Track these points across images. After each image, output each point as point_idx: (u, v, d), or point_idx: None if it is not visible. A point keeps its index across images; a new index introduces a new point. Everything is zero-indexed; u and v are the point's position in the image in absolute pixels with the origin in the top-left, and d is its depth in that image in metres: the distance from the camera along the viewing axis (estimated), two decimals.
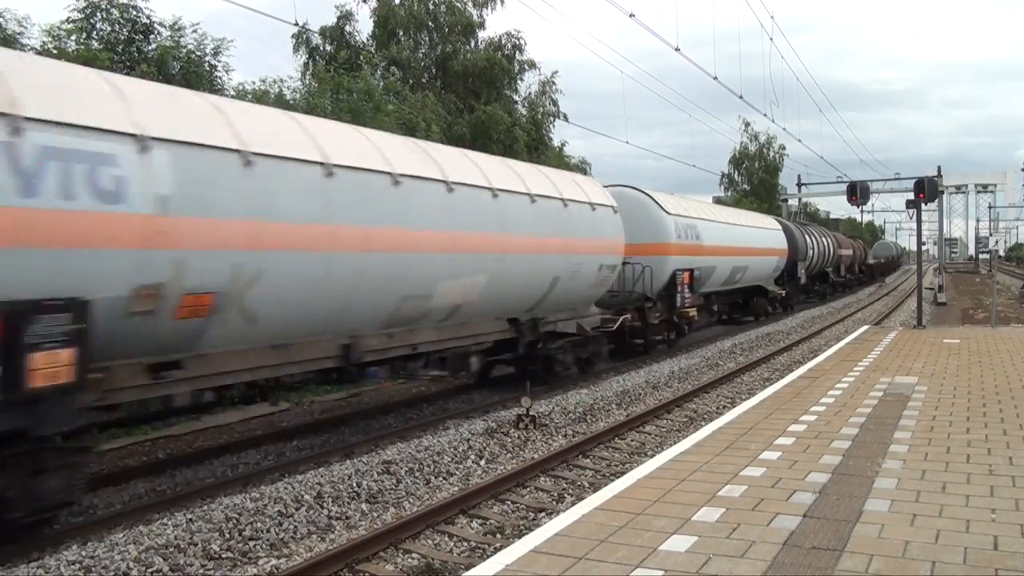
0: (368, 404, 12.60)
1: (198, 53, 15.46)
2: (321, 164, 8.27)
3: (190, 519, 6.85)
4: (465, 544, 6.68)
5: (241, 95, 17.10)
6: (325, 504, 7.43)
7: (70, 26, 14.67)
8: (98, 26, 15.09)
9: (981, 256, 78.26)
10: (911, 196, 21.47)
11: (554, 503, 7.77)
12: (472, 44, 29.58)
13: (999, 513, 5.28)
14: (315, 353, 8.73)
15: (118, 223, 6.37)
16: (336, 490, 7.74)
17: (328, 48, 27.88)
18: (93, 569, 5.88)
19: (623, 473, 7.65)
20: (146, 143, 6.63)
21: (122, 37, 15.18)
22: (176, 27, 15.47)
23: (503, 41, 29.82)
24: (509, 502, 7.75)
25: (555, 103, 31.50)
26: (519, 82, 30.35)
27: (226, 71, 16.06)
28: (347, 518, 7.25)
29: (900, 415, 8.51)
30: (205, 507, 7.23)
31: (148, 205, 6.58)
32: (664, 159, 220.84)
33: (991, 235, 66.07)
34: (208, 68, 15.53)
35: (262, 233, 7.50)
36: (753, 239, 24.83)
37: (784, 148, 66.25)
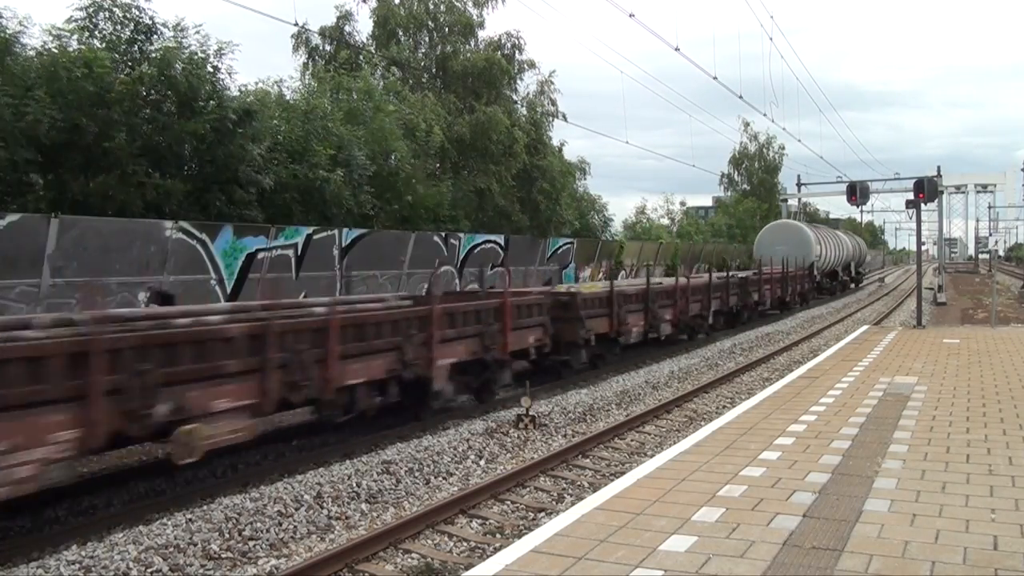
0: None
1: (201, 54, 15.43)
2: None
3: (190, 519, 6.86)
4: (465, 544, 6.68)
5: (245, 96, 17.08)
6: (325, 504, 7.43)
7: (72, 25, 14.66)
8: (100, 26, 15.08)
9: (981, 256, 78.28)
10: (911, 196, 21.49)
11: (554, 503, 7.77)
12: (472, 44, 29.62)
13: (999, 513, 5.28)
14: None
15: None
16: (336, 490, 7.75)
17: (328, 48, 27.92)
18: (93, 569, 5.88)
19: (623, 473, 7.66)
20: None
21: (124, 37, 15.17)
22: (179, 28, 15.47)
23: (503, 41, 29.89)
24: (509, 502, 7.75)
25: (554, 103, 31.60)
26: (519, 82, 30.42)
27: (229, 73, 16.03)
28: (347, 518, 7.25)
29: (900, 415, 8.52)
30: (205, 507, 7.23)
31: None
32: (665, 159, 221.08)
33: (991, 235, 66.21)
34: (211, 70, 15.50)
35: None
36: None
37: (784, 148, 66.27)
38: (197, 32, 15.64)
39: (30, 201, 13.05)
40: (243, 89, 17.81)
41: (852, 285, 47.90)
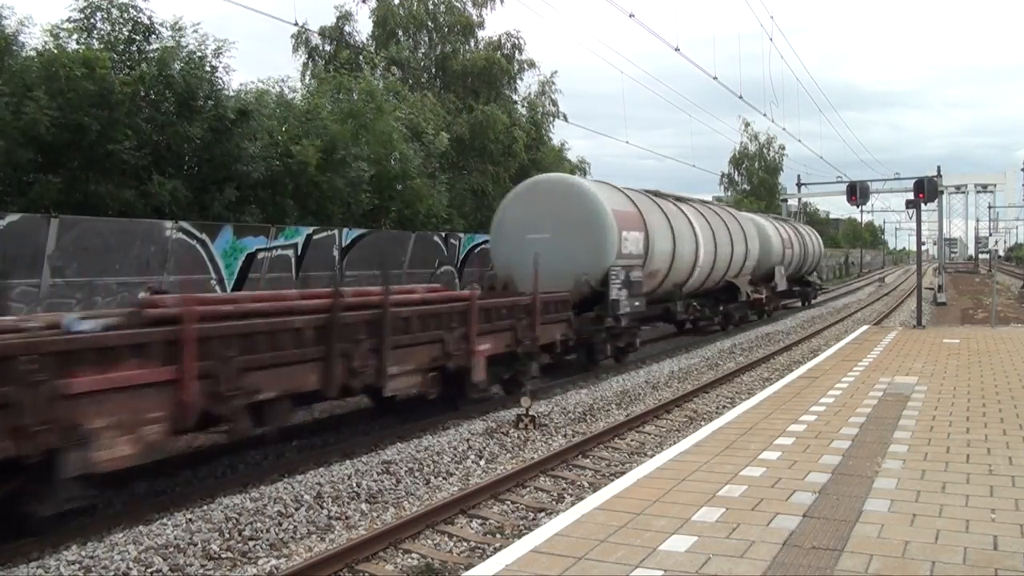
0: (368, 403, 12.58)
1: (199, 54, 15.44)
2: None
3: (190, 519, 6.86)
4: (465, 544, 6.68)
5: (243, 95, 17.08)
6: (325, 504, 7.43)
7: (71, 26, 14.66)
8: (98, 25, 15.07)
9: (981, 256, 78.30)
10: (911, 196, 21.50)
11: (554, 503, 7.77)
12: (471, 44, 29.63)
13: (999, 513, 5.29)
14: None
15: None
16: (336, 490, 7.75)
17: (327, 48, 27.92)
18: (93, 569, 5.88)
19: (623, 473, 7.66)
20: None
21: (122, 37, 15.17)
22: (177, 27, 15.47)
23: (502, 41, 29.88)
24: (509, 502, 7.75)
25: (555, 103, 31.58)
26: (518, 82, 30.42)
27: (227, 72, 16.04)
28: (347, 518, 7.25)
29: (900, 415, 8.52)
30: (205, 507, 7.23)
31: None
32: (665, 159, 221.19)
33: (991, 235, 66.20)
34: (209, 69, 15.51)
35: None
36: None
37: (784, 148, 66.39)
38: (195, 31, 15.64)
39: (31, 201, 13.05)
40: (242, 87, 17.82)
41: (801, 303, 33.20)
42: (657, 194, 19.22)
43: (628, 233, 15.71)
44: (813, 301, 34.78)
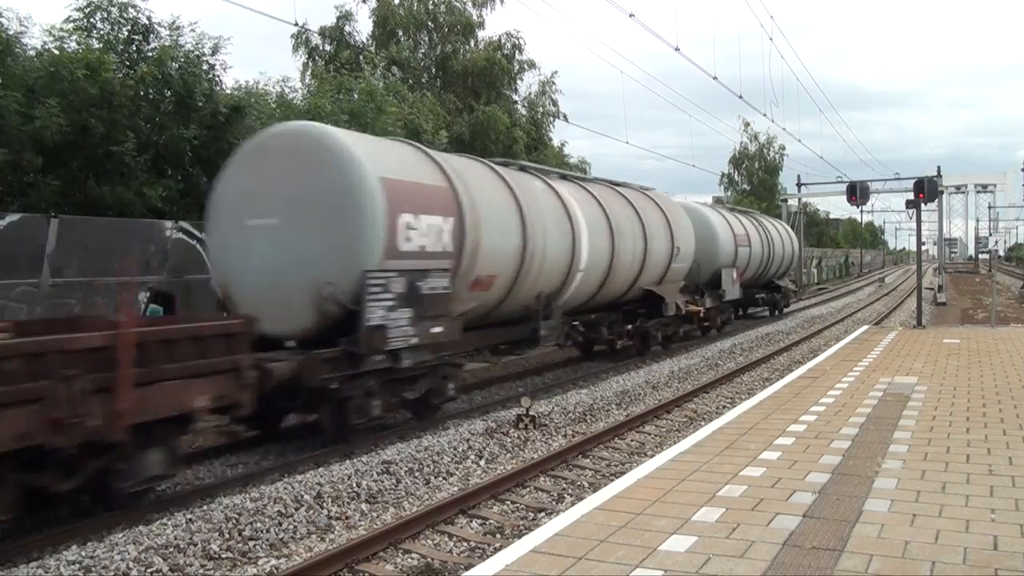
0: None
1: (196, 52, 15.45)
2: None
3: (190, 519, 6.85)
4: (465, 544, 6.68)
5: (244, 93, 17.08)
6: (325, 504, 7.43)
7: (70, 26, 14.65)
8: (98, 26, 15.07)
9: (981, 256, 78.34)
10: (911, 196, 21.51)
11: (554, 503, 7.77)
12: (471, 44, 29.67)
13: (999, 513, 5.29)
14: None
15: None
16: (336, 490, 7.74)
17: (328, 48, 27.94)
18: (93, 569, 5.88)
19: (623, 473, 7.66)
20: None
21: (122, 37, 15.17)
22: (174, 26, 15.47)
23: (502, 41, 29.95)
24: (509, 502, 7.75)
25: (555, 103, 31.63)
26: (519, 82, 30.48)
27: (224, 69, 16.06)
28: (347, 518, 7.26)
29: (900, 415, 8.52)
30: (205, 507, 7.23)
31: None
32: (665, 159, 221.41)
33: (991, 235, 66.23)
34: (207, 67, 15.52)
35: None
36: None
37: (784, 148, 66.47)
38: (192, 30, 15.65)
39: (33, 202, 13.05)
40: (237, 83, 17.83)
41: (770, 312, 28.24)
42: (522, 168, 13.98)
43: (417, 218, 9.81)
44: (785, 310, 29.37)
